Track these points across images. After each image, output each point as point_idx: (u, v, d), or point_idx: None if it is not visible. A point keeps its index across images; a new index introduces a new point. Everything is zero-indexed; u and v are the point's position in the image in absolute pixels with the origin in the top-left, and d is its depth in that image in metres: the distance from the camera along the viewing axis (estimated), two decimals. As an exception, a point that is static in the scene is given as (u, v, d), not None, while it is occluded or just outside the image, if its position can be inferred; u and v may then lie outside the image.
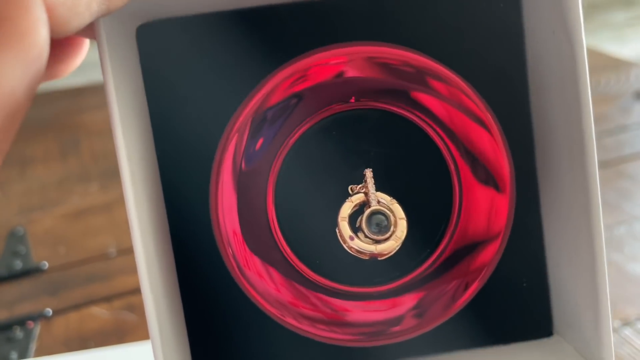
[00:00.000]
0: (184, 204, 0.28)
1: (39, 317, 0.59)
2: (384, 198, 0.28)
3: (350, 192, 0.28)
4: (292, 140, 0.28)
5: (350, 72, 0.27)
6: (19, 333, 0.57)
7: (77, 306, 0.60)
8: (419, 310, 0.28)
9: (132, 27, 0.27)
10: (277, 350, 0.29)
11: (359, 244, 0.27)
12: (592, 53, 1.06)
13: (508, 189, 0.28)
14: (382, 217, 0.27)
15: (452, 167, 0.28)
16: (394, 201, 0.28)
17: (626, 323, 0.51)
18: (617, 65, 1.09)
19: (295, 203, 0.28)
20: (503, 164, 0.27)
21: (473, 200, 0.28)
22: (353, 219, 0.28)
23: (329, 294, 0.28)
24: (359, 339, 0.28)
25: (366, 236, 0.27)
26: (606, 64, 1.09)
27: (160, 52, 0.27)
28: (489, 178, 0.28)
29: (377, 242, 0.27)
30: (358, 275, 0.28)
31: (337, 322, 0.28)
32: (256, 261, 0.28)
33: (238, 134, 0.27)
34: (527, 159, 0.28)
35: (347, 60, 0.27)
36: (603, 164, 0.77)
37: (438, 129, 0.28)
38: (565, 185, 0.28)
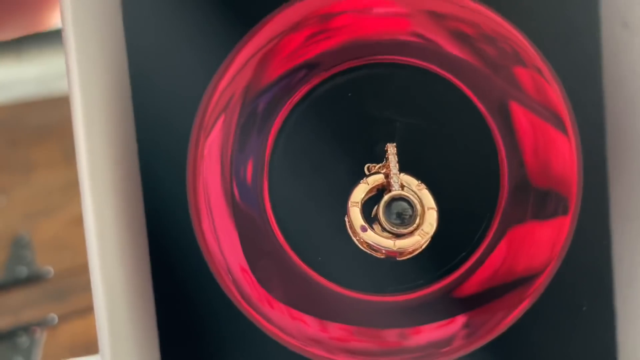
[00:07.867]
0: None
1: (44, 323, 0.60)
2: (410, 182, 0.22)
3: (366, 172, 0.23)
4: (293, 101, 0.22)
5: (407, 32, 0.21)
6: (24, 340, 0.58)
7: (82, 312, 0.60)
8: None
9: None
10: None
11: (372, 237, 0.22)
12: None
13: (574, 197, 0.23)
14: (405, 205, 0.22)
15: (504, 163, 0.22)
16: (423, 186, 0.22)
17: None
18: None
19: (296, 186, 0.22)
20: (572, 172, 0.22)
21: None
22: (369, 207, 0.22)
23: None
24: None
25: (384, 229, 0.22)
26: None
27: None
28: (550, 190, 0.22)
29: (398, 236, 0.22)
30: (368, 278, 0.22)
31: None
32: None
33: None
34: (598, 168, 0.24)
35: (407, 13, 0.21)
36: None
37: (489, 105, 0.22)
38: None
